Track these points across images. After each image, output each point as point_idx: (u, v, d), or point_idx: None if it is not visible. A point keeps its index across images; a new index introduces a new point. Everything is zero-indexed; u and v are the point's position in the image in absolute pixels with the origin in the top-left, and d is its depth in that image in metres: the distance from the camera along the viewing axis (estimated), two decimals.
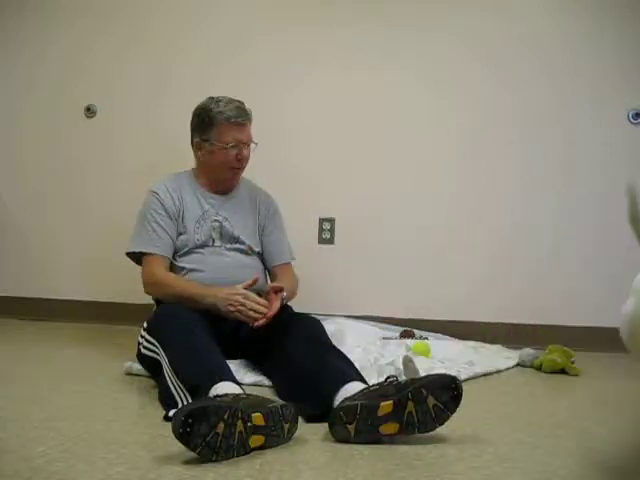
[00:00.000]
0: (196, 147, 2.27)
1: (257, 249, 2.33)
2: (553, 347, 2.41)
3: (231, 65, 3.14)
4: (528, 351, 2.48)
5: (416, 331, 2.77)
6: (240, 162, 2.23)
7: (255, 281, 2.03)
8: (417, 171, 3.12)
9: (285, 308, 2.23)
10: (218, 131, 2.19)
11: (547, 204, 3.06)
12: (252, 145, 2.26)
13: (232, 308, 1.95)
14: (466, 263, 3.07)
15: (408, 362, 1.92)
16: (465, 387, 1.52)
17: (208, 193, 2.30)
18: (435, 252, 3.07)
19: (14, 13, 3.27)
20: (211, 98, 2.25)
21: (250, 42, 3.15)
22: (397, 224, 3.09)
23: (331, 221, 3.13)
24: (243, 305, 1.95)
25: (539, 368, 2.37)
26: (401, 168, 3.12)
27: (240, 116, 2.19)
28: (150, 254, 2.16)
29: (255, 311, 1.96)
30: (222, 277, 2.15)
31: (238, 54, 3.15)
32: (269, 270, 2.37)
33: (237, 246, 2.25)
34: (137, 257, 2.21)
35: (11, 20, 3.28)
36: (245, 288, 2.00)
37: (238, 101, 2.23)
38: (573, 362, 2.35)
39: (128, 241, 2.23)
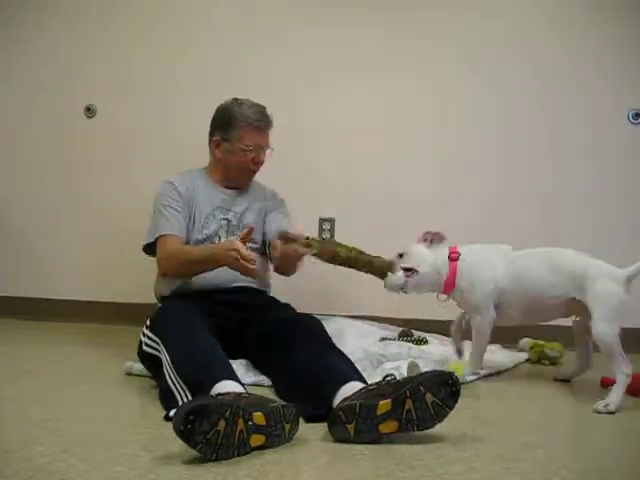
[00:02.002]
0: (214, 145, 2.30)
1: (259, 240, 2.35)
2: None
3: (231, 66, 3.14)
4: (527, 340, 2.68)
5: (415, 331, 2.76)
6: (256, 165, 2.30)
7: (251, 229, 2.03)
8: (417, 171, 3.12)
9: (286, 308, 2.23)
10: (239, 133, 2.24)
11: (545, 203, 3.06)
12: (268, 150, 2.31)
13: (228, 263, 1.98)
14: None
15: (414, 367, 1.92)
16: (465, 387, 1.52)
17: (221, 188, 2.33)
18: None
19: (15, 14, 3.27)
20: (235, 99, 2.30)
21: (249, 43, 3.15)
22: (397, 224, 3.09)
23: (331, 221, 3.13)
24: (237, 260, 1.95)
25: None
26: (401, 168, 3.12)
27: (261, 121, 2.25)
28: (164, 235, 2.17)
29: (248, 262, 1.96)
30: (226, 274, 2.16)
31: (237, 55, 3.15)
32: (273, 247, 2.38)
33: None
34: (153, 248, 2.20)
35: (12, 21, 3.28)
36: (242, 239, 2.00)
37: (261, 106, 2.29)
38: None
39: (145, 234, 2.23)
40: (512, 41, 3.09)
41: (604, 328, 1.91)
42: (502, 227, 3.08)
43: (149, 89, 3.20)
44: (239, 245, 1.97)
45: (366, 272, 2.10)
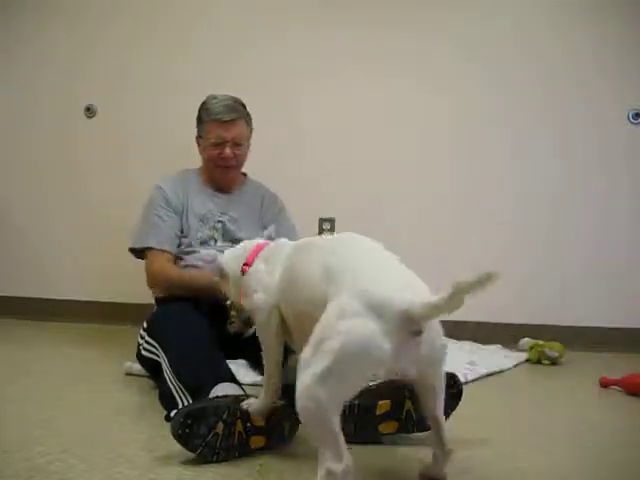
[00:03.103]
0: (196, 143, 2.29)
1: None
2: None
3: (230, 66, 3.14)
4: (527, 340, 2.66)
5: None
6: (224, 160, 2.19)
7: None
8: (417, 171, 3.12)
9: None
10: (206, 128, 2.20)
11: (546, 204, 3.06)
12: (243, 145, 2.22)
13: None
14: (464, 264, 3.06)
15: None
16: (465, 387, 1.52)
17: (212, 191, 2.28)
18: (434, 252, 3.07)
19: (15, 14, 3.27)
20: (211, 95, 2.25)
21: (249, 43, 3.15)
22: (397, 224, 3.09)
23: (331, 221, 3.13)
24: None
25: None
26: (401, 168, 3.12)
27: (225, 113, 2.16)
28: (152, 248, 2.14)
29: None
30: None
31: (237, 55, 3.15)
32: None
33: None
34: (139, 252, 2.19)
35: (12, 21, 3.28)
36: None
37: (233, 99, 2.21)
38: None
39: (131, 236, 2.22)
40: (512, 41, 3.09)
41: (306, 388, 1.05)
42: (502, 226, 3.08)
43: (149, 89, 3.20)
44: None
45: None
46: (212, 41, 3.17)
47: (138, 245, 2.17)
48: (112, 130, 3.22)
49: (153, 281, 2.14)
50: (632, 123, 3.03)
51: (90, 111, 3.24)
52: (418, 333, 1.09)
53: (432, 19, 3.13)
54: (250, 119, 2.26)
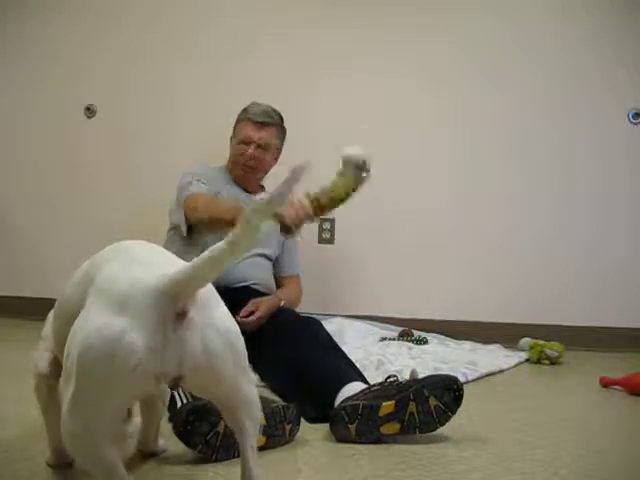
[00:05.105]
0: (230, 142, 2.34)
1: (272, 255, 2.35)
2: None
3: (231, 66, 3.14)
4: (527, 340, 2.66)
5: (415, 331, 2.77)
6: (245, 158, 2.25)
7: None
8: (417, 172, 3.12)
9: (286, 310, 2.23)
10: (238, 125, 2.29)
11: (546, 204, 3.06)
12: (267, 151, 2.27)
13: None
14: (464, 263, 3.07)
15: (417, 375, 1.92)
16: (465, 387, 1.52)
17: (240, 190, 2.32)
18: (434, 252, 3.07)
19: (15, 14, 3.27)
20: (255, 102, 2.32)
21: (251, 43, 3.15)
22: (397, 224, 3.09)
23: (331, 221, 3.13)
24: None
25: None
26: (401, 168, 3.11)
27: (259, 116, 2.24)
28: (191, 194, 2.11)
29: None
30: (234, 274, 2.14)
31: (238, 55, 3.15)
32: (277, 278, 2.41)
33: (256, 249, 2.25)
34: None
35: (13, 20, 3.28)
36: None
37: (273, 109, 2.30)
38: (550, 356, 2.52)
39: (170, 216, 2.22)
40: (512, 41, 3.09)
41: (62, 421, 0.88)
42: (501, 226, 3.08)
43: (149, 89, 3.20)
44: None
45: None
46: (212, 41, 3.17)
47: (178, 218, 2.15)
48: (112, 130, 3.22)
49: (190, 210, 2.09)
50: (632, 123, 3.03)
51: (90, 111, 3.24)
52: (181, 315, 0.86)
53: (432, 19, 3.13)
54: (283, 133, 2.33)
